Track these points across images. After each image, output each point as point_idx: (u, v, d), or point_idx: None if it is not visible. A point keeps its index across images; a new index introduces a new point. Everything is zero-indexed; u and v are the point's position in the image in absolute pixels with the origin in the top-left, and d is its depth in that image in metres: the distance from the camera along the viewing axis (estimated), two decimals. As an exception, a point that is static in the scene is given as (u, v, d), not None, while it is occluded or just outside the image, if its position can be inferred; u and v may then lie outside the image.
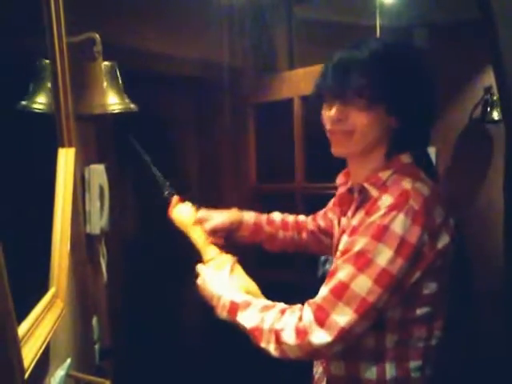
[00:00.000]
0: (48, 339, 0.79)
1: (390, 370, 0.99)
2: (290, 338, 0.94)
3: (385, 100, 0.96)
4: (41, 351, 0.74)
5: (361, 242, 0.92)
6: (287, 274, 2.39)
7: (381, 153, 1.02)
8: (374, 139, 1.00)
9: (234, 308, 1.04)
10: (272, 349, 0.97)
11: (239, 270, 1.17)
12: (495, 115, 2.75)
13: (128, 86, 1.35)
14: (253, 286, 1.16)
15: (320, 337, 0.92)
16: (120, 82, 1.30)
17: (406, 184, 0.94)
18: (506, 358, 1.56)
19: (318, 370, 1.14)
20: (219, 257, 1.17)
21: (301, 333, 0.93)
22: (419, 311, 0.98)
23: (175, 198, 1.26)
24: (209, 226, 1.23)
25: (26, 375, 0.65)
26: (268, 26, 2.47)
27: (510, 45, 1.03)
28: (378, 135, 0.99)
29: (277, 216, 1.38)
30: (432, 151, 2.57)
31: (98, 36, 1.25)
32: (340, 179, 1.16)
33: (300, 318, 0.95)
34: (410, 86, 0.98)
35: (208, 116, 2.68)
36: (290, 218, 1.39)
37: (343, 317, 0.91)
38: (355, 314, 0.90)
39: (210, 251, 1.18)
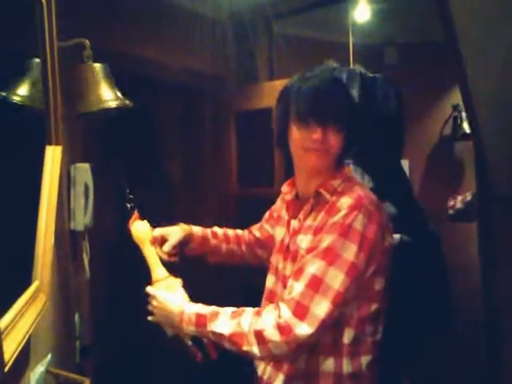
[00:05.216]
0: (29, 333, 0.75)
1: (346, 365, 1.01)
2: (273, 335, 0.93)
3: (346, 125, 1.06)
4: (22, 345, 0.70)
5: (328, 240, 0.97)
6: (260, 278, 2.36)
7: (331, 165, 1.10)
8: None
9: (201, 320, 1.01)
10: (256, 350, 0.95)
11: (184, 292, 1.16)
12: (466, 128, 2.74)
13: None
14: None
15: (303, 329, 0.92)
16: (112, 80, 1.28)
17: (358, 190, 1.03)
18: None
19: (265, 370, 1.11)
20: (168, 279, 1.16)
21: (284, 329, 0.93)
22: (372, 307, 1.02)
23: (135, 214, 1.25)
24: (168, 246, 1.23)
25: (6, 368, 0.62)
26: (249, 40, 2.48)
27: (473, 65, 1.05)
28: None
29: (219, 230, 1.41)
30: (405, 164, 2.60)
31: (87, 41, 1.26)
32: (284, 188, 1.23)
33: (279, 316, 0.94)
34: (353, 113, 1.09)
35: (191, 122, 2.65)
36: (230, 231, 1.43)
37: (321, 308, 0.93)
38: (331, 304, 0.93)
39: (159, 272, 1.17)
